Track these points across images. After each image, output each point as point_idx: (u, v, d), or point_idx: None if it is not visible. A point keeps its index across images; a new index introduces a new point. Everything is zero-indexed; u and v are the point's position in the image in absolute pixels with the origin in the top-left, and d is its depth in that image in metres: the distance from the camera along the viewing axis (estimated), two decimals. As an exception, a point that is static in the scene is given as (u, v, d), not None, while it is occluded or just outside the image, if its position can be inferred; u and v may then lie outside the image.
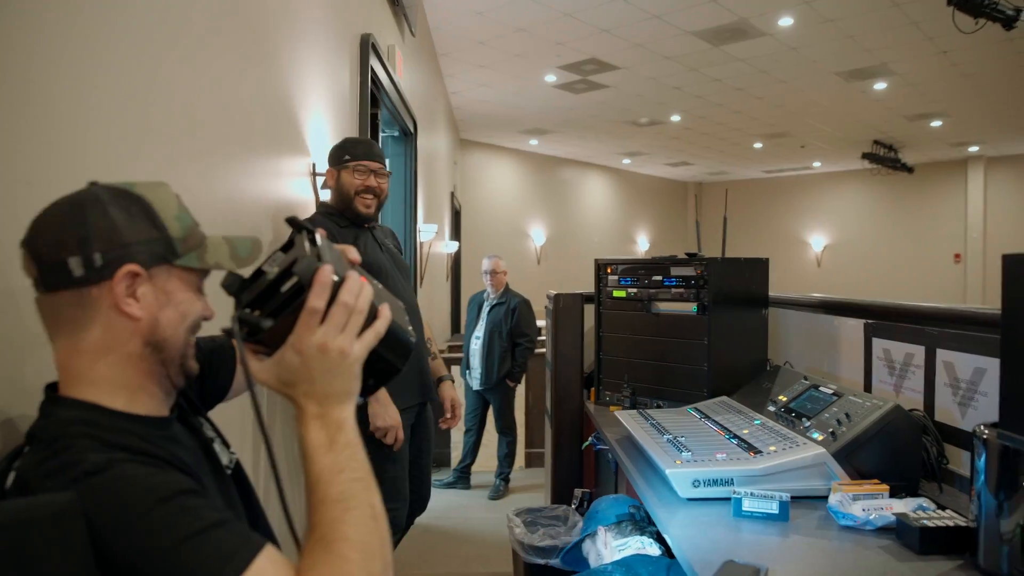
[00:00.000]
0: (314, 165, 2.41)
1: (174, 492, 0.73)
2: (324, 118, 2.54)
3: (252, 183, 1.84)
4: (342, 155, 2.28)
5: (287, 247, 0.86)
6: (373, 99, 3.42)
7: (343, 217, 2.29)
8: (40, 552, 0.67)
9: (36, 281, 0.80)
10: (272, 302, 0.81)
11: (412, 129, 4.54)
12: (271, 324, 0.80)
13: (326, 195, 2.41)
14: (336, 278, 0.81)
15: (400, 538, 2.49)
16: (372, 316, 0.85)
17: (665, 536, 1.41)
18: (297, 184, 2.27)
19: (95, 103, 1.10)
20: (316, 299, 0.80)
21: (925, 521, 1.26)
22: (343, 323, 0.82)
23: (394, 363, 0.91)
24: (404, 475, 2.36)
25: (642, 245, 14.68)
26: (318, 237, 0.84)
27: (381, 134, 3.97)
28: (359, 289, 0.83)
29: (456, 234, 9.33)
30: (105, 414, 0.80)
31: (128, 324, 0.81)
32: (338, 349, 0.81)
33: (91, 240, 0.79)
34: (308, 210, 2.39)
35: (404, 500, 2.36)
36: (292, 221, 0.86)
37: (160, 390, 0.87)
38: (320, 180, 2.41)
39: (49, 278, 0.79)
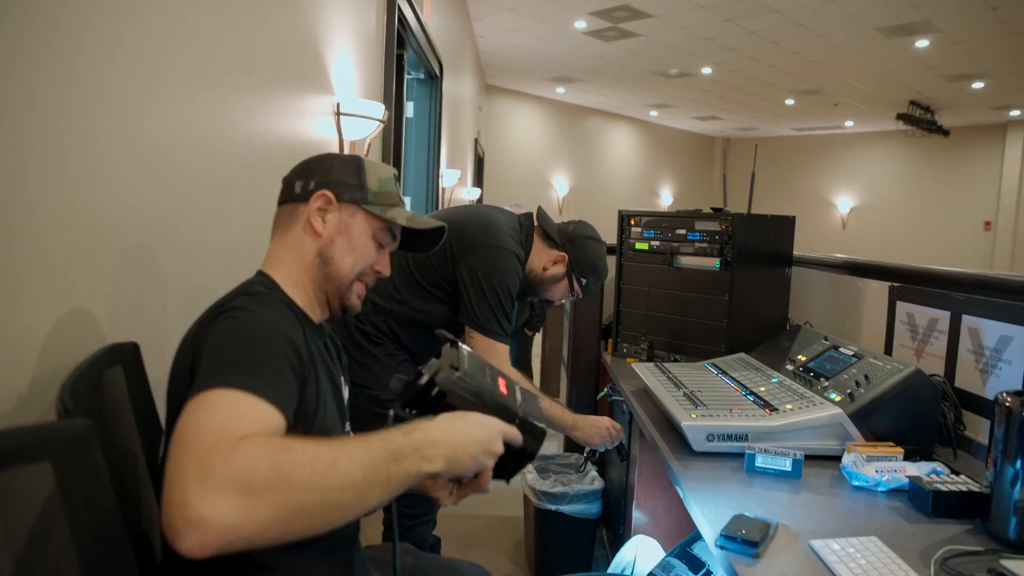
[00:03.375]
0: (338, 104, 2.38)
1: (289, 339, 0.94)
2: (349, 57, 2.50)
3: (275, 120, 1.82)
4: (584, 272, 1.98)
5: (439, 355, 1.04)
6: (399, 40, 3.36)
7: (524, 280, 1.96)
8: (57, 475, 0.69)
9: (279, 198, 1.14)
10: (423, 404, 0.96)
11: (438, 72, 4.47)
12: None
13: (354, 132, 2.37)
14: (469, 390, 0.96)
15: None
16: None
17: (677, 487, 1.43)
18: (321, 123, 2.25)
19: (117, 38, 1.08)
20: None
21: (938, 485, 1.27)
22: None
23: (530, 452, 1.01)
24: None
25: (665, 199, 14.51)
26: (462, 349, 1.02)
27: (406, 76, 3.92)
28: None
29: (479, 181, 9.27)
30: (277, 289, 1.08)
31: (312, 235, 1.10)
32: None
33: (313, 173, 1.12)
34: (331, 147, 2.37)
35: None
36: (441, 335, 1.06)
37: (316, 300, 1.12)
38: (344, 120, 2.38)
39: (284, 194, 1.14)
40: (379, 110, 2.46)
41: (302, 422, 0.93)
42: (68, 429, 0.71)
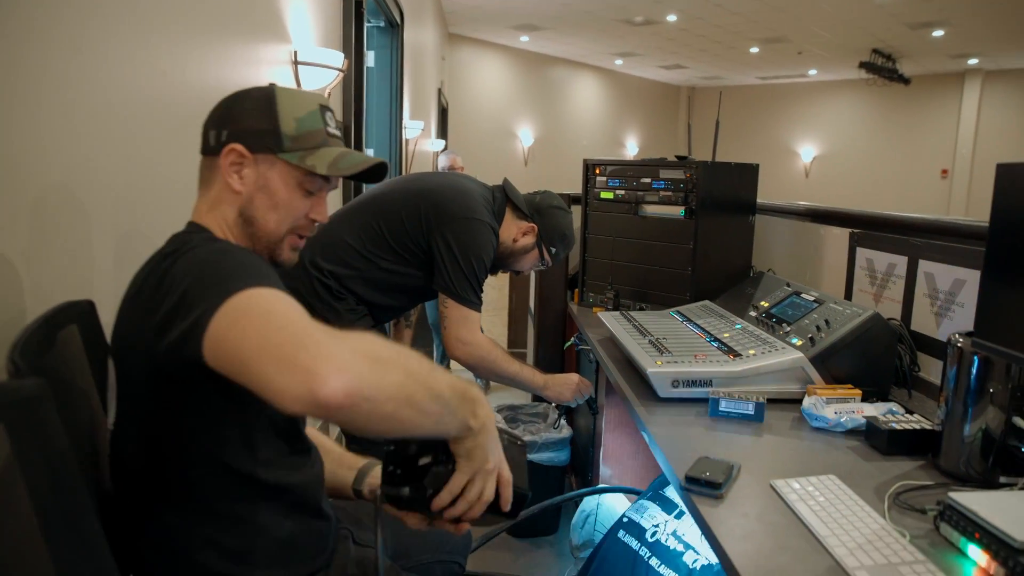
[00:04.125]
0: (295, 53, 2.31)
1: (269, 273, 0.86)
2: (305, 3, 2.42)
3: (229, 69, 1.76)
4: (553, 242, 2.01)
5: None
6: (358, -16, 3.25)
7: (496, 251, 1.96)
8: (11, 436, 0.67)
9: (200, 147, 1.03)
10: (411, 472, 0.94)
11: (399, 20, 4.35)
12: (407, 491, 0.94)
13: (313, 82, 2.31)
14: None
15: None
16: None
17: (643, 433, 1.46)
18: (278, 72, 2.18)
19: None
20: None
21: (893, 424, 1.31)
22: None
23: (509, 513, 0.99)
24: None
25: (631, 149, 14.48)
26: None
27: (366, 24, 3.80)
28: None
29: (443, 132, 9.13)
30: (213, 236, 0.99)
31: (231, 193, 1.00)
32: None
33: (226, 121, 1.00)
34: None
35: None
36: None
37: None
38: (303, 69, 2.31)
39: (202, 145, 1.02)
40: (338, 59, 2.39)
41: None
42: (19, 389, 0.69)
